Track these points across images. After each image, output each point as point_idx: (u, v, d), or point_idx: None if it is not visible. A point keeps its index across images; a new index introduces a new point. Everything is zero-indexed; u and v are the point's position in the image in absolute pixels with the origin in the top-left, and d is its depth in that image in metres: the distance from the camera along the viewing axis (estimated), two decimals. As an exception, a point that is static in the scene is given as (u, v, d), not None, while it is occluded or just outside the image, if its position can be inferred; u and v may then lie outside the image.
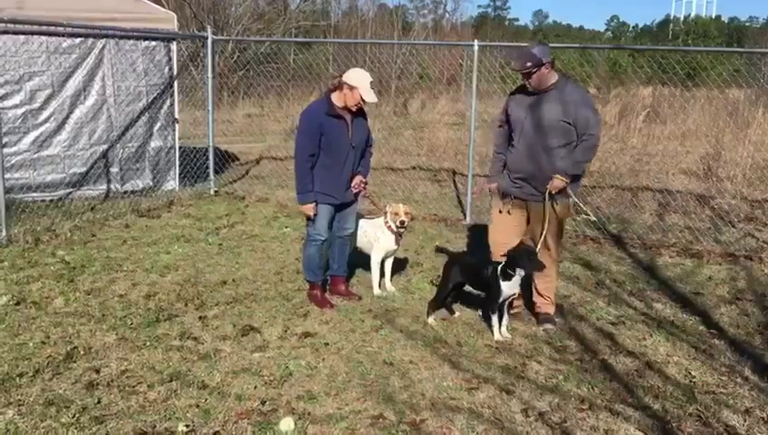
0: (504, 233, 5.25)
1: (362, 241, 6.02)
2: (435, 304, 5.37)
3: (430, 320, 5.28)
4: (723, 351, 4.85)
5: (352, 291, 5.89)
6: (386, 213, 5.83)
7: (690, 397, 4.15)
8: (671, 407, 4.03)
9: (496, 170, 5.43)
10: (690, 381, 4.38)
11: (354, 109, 5.33)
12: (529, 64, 4.88)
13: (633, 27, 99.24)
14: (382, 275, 6.00)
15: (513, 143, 5.21)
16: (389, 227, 5.79)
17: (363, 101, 5.25)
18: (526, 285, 5.26)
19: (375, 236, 5.88)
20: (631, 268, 6.84)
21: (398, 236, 5.84)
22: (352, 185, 5.53)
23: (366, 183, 5.67)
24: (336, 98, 5.29)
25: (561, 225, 5.27)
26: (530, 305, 5.51)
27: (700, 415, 3.94)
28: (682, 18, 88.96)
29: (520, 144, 5.13)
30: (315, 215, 5.41)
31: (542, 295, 5.35)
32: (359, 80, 5.19)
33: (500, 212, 5.32)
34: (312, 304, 5.56)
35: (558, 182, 4.97)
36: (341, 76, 5.24)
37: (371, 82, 5.26)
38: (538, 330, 5.19)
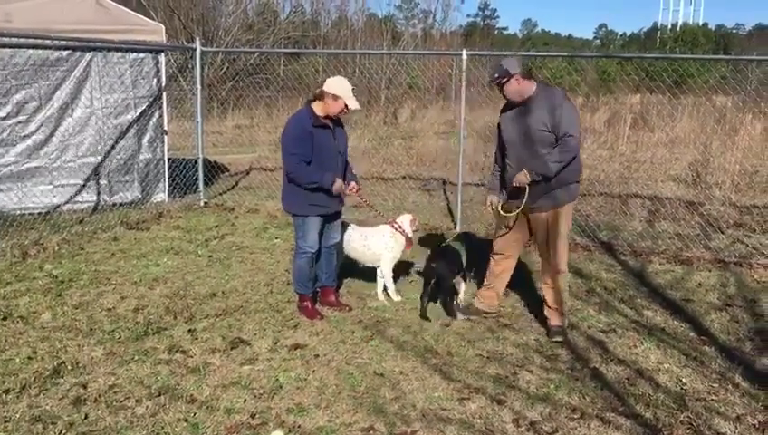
0: (505, 243, 5.43)
1: (360, 250, 6.01)
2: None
3: (459, 317, 5.55)
4: (713, 358, 4.85)
5: (342, 301, 5.87)
6: (394, 220, 5.97)
7: (681, 405, 4.15)
8: (662, 415, 4.03)
9: (492, 185, 5.52)
10: (681, 389, 4.38)
11: (336, 117, 5.36)
12: (497, 76, 4.98)
13: (621, 35, 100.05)
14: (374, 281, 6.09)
15: (507, 160, 5.23)
16: (404, 233, 5.89)
17: (347, 109, 5.26)
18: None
19: (388, 246, 5.89)
20: (622, 276, 6.84)
21: (411, 241, 6.00)
22: (348, 191, 5.49)
23: (360, 189, 5.69)
24: (318, 108, 5.29)
25: (562, 230, 5.13)
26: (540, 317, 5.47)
27: (691, 423, 3.93)
28: (669, 26, 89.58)
29: (512, 160, 5.17)
30: (301, 224, 5.43)
31: (549, 306, 5.26)
32: (341, 89, 5.20)
33: (505, 226, 5.39)
34: (301, 315, 5.53)
35: (521, 177, 4.96)
36: (323, 86, 5.25)
37: (353, 89, 5.27)
38: (529, 339, 5.18)
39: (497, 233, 5.54)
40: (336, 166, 5.40)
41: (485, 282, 5.65)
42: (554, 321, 5.25)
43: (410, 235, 5.96)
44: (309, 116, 5.27)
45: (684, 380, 4.50)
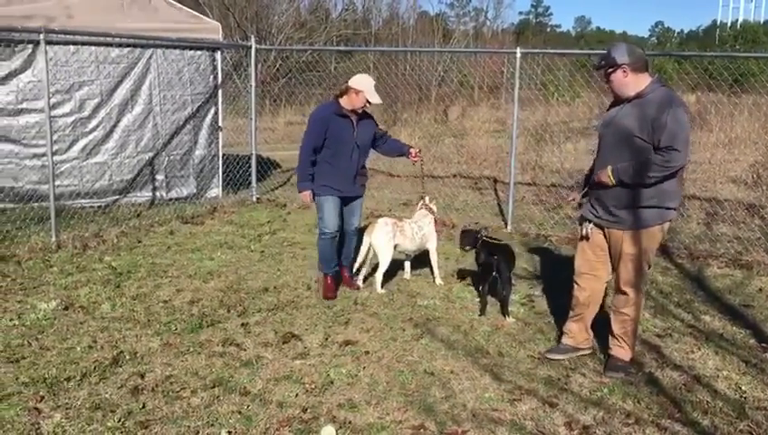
0: (585, 260, 4.64)
1: (414, 236, 6.22)
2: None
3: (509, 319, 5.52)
4: (775, 365, 4.71)
5: (354, 281, 6.26)
6: (425, 205, 6.49)
7: (740, 413, 4.03)
8: (721, 423, 3.92)
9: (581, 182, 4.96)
10: (740, 397, 4.25)
11: (360, 111, 5.83)
12: (603, 63, 4.28)
13: (678, 33, 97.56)
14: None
15: (595, 160, 4.59)
16: (433, 212, 6.47)
17: (368, 102, 5.76)
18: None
19: (431, 230, 6.35)
20: (678, 279, 6.69)
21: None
22: (412, 156, 6.08)
23: (419, 150, 6.21)
24: (344, 102, 5.82)
25: (641, 254, 4.38)
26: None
27: (751, 432, 3.82)
28: (729, 23, 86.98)
29: (597, 165, 4.51)
30: (319, 206, 5.89)
31: (615, 337, 4.59)
32: (363, 84, 5.74)
33: (580, 238, 4.67)
34: (352, 314, 5.57)
35: (604, 176, 4.30)
36: (348, 82, 5.80)
37: (375, 85, 5.79)
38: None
39: (577, 246, 4.76)
40: (350, 155, 5.87)
41: (571, 313, 4.82)
42: (615, 352, 4.60)
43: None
44: (333, 106, 5.84)
45: (743, 387, 4.37)
